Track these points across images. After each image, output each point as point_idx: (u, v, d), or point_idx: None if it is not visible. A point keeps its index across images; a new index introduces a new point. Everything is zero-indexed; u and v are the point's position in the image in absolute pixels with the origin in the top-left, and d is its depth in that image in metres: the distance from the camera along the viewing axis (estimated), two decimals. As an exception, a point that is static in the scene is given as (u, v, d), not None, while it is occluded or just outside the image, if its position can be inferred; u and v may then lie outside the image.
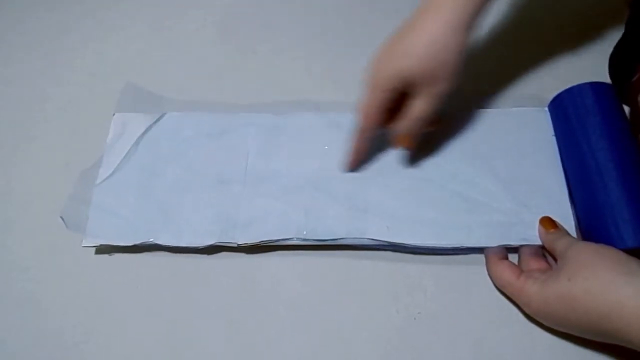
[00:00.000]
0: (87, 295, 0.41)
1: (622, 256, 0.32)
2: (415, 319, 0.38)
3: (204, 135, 0.46)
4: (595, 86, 0.40)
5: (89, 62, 0.55)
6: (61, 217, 0.42)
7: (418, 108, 0.38)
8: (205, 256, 0.42)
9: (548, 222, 0.38)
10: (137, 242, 0.41)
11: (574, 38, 0.50)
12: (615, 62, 0.46)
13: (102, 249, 0.43)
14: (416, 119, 0.38)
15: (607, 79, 0.46)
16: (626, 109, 0.42)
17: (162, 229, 0.41)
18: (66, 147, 0.49)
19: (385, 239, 0.39)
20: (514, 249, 0.39)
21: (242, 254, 0.42)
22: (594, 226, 0.37)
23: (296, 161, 0.44)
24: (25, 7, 0.61)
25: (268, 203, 0.42)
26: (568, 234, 0.37)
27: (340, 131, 0.45)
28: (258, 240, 0.40)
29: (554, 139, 0.42)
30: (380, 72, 0.37)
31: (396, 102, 0.38)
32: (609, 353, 0.35)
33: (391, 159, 0.43)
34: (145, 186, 0.44)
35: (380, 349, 0.37)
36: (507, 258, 0.38)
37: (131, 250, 0.42)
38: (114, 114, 0.48)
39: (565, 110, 0.41)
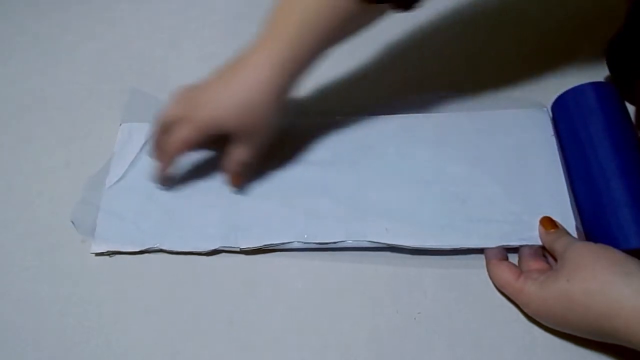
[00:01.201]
0: (87, 295, 0.41)
1: (621, 256, 0.32)
2: (415, 319, 0.38)
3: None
4: (598, 86, 0.40)
5: (89, 62, 0.55)
6: (72, 221, 0.43)
7: (237, 153, 0.40)
8: (205, 257, 0.42)
9: (548, 222, 0.38)
10: (144, 247, 0.42)
11: (575, 37, 0.50)
12: (616, 57, 0.45)
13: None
14: (237, 162, 0.40)
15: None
16: (630, 108, 0.42)
17: (167, 235, 0.42)
18: (66, 147, 0.49)
19: (385, 242, 0.39)
20: (514, 249, 0.39)
21: (242, 255, 0.42)
22: (597, 226, 0.37)
23: (296, 165, 0.44)
24: (25, 7, 0.61)
25: (269, 207, 0.42)
26: (568, 234, 0.37)
27: (339, 134, 0.45)
28: (259, 245, 0.40)
29: (553, 138, 0.42)
30: (199, 114, 0.38)
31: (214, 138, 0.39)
32: (609, 353, 0.35)
33: (390, 161, 0.43)
34: (150, 193, 0.44)
35: (380, 349, 0.37)
36: (506, 259, 0.38)
37: (128, 252, 0.42)
38: (120, 124, 0.49)
39: (567, 110, 0.41)
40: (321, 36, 0.36)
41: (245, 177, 0.43)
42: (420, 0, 0.36)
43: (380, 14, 0.37)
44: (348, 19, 0.36)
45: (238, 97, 0.37)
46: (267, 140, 0.40)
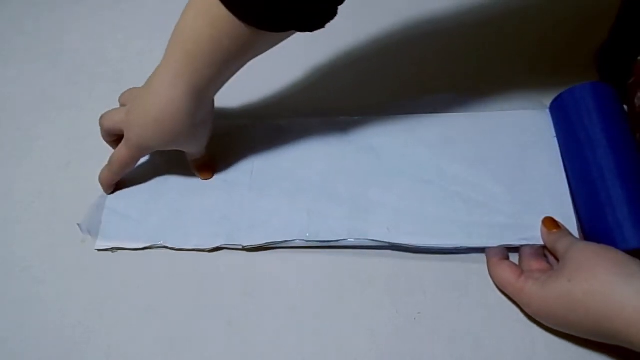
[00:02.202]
0: (87, 295, 0.41)
1: (623, 257, 0.31)
2: (415, 319, 0.38)
3: (211, 142, 0.46)
4: (597, 86, 0.40)
5: (89, 62, 0.55)
6: (78, 225, 0.43)
7: (187, 155, 0.43)
8: (206, 255, 0.42)
9: (551, 223, 0.38)
10: (148, 244, 0.42)
11: (573, 38, 0.50)
12: (606, 60, 0.46)
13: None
14: (190, 162, 0.44)
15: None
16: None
17: (170, 232, 0.42)
18: (66, 147, 0.49)
19: (387, 240, 0.39)
20: (515, 249, 0.39)
21: (243, 253, 0.42)
22: (596, 227, 0.37)
23: (300, 165, 0.44)
24: (25, 7, 0.61)
25: (272, 206, 0.42)
26: (570, 234, 0.37)
27: (342, 134, 0.45)
28: (262, 242, 0.41)
29: (555, 140, 0.42)
30: (130, 137, 0.40)
31: None
32: (609, 353, 0.34)
33: (391, 161, 0.43)
34: (155, 191, 0.45)
35: (380, 349, 0.37)
36: (508, 258, 0.38)
37: (132, 248, 0.42)
38: None
39: (566, 110, 0.41)
40: (219, 60, 0.35)
41: (209, 169, 0.45)
42: (326, 23, 0.34)
43: (286, 35, 0.35)
44: (247, 44, 0.34)
45: (154, 121, 0.38)
46: (203, 143, 0.42)
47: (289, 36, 0.35)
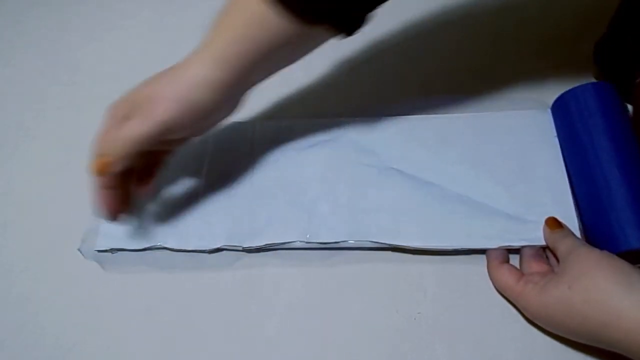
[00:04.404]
0: (85, 296, 0.41)
1: (624, 266, 0.31)
2: (415, 319, 0.38)
3: (211, 142, 0.46)
4: (598, 86, 0.40)
5: (89, 62, 0.55)
6: (79, 250, 0.42)
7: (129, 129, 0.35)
8: (205, 256, 0.42)
9: (553, 222, 0.37)
10: (147, 245, 0.42)
11: (574, 38, 0.50)
12: (604, 54, 0.45)
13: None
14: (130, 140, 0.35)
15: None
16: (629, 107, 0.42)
17: (170, 233, 0.42)
18: (66, 147, 0.49)
19: (387, 242, 0.39)
20: (516, 251, 0.39)
21: (243, 254, 0.42)
22: (597, 227, 0.37)
23: (300, 166, 0.44)
24: (25, 7, 0.61)
25: (272, 207, 0.42)
26: (573, 234, 0.37)
27: (342, 136, 0.45)
28: (262, 244, 0.41)
29: (556, 140, 0.42)
30: (149, 110, 0.36)
31: None
32: (610, 355, 0.34)
33: (392, 162, 0.43)
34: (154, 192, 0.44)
35: (380, 349, 0.37)
36: (508, 261, 0.38)
37: (132, 249, 0.42)
38: None
39: (568, 111, 0.41)
40: (259, 52, 0.35)
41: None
42: (362, 25, 0.35)
43: (320, 39, 0.36)
44: (285, 40, 0.34)
45: (186, 99, 0.35)
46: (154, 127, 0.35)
47: (322, 42, 0.36)
